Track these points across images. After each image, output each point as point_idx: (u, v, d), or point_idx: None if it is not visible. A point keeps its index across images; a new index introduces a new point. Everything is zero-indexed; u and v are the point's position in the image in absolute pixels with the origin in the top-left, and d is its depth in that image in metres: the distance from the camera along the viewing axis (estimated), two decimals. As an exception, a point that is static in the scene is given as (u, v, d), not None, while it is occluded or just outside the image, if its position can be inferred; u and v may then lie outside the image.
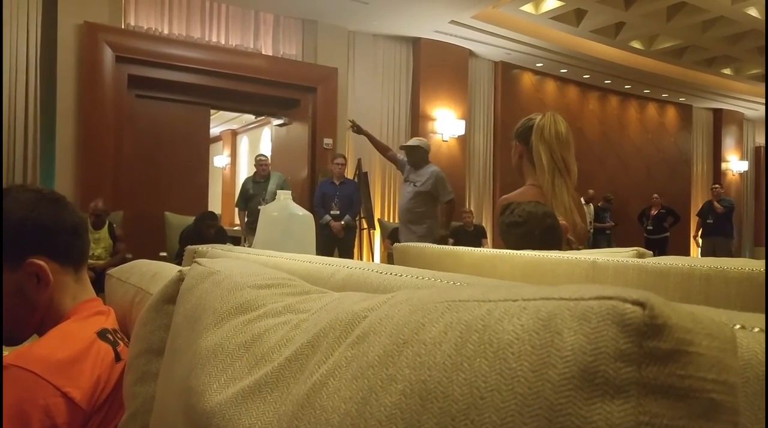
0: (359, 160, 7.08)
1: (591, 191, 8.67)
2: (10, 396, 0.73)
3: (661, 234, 9.06)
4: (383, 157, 5.15)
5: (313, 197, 6.15)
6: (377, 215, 7.52)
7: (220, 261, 0.71)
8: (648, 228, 9.18)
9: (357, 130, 4.90)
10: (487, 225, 8.33)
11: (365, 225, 7.03)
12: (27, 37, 5.35)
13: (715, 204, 8.54)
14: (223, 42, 6.58)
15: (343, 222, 5.74)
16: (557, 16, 7.50)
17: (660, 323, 0.28)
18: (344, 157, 6.08)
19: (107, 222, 5.03)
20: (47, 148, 5.51)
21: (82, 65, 5.59)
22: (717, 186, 8.95)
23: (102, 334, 0.89)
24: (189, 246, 1.23)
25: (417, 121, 7.82)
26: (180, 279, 0.73)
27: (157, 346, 0.75)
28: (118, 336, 0.93)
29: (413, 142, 4.78)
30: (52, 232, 0.94)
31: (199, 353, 0.54)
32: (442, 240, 4.63)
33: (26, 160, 5.36)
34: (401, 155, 4.84)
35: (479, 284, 0.60)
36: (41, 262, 0.91)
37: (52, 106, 5.50)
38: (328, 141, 7.02)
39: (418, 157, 4.64)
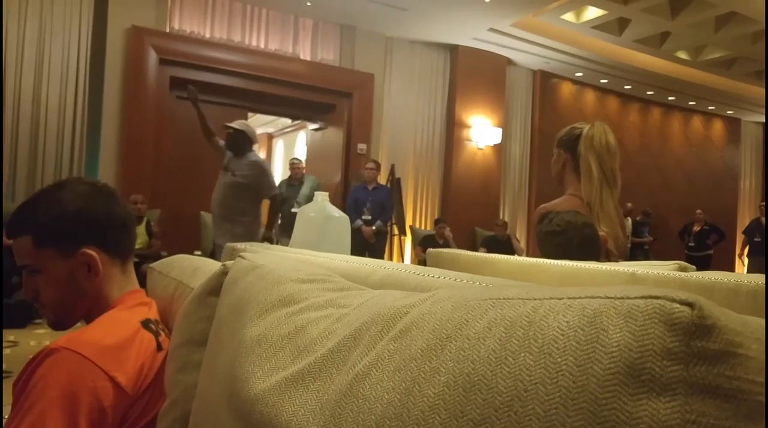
0: (392, 166, 7.11)
1: (629, 204, 8.49)
2: (62, 377, 0.77)
3: (703, 251, 8.78)
4: (207, 142, 4.45)
5: (346, 201, 6.20)
6: (409, 222, 7.53)
7: (263, 256, 0.73)
8: (690, 244, 8.92)
9: (193, 99, 4.23)
10: (521, 234, 8.25)
11: (396, 232, 7.04)
12: (79, 40, 5.57)
13: (763, 221, 8.23)
14: (262, 46, 6.70)
15: (374, 228, 5.77)
16: (599, 25, 7.40)
17: (709, 324, 0.28)
18: (375, 163, 6.11)
19: (144, 219, 5.18)
20: (92, 145, 5.71)
21: (128, 67, 5.76)
22: (766, 203, 8.63)
23: (145, 324, 0.92)
24: (228, 244, 1.26)
25: (452, 128, 7.80)
26: (224, 272, 0.75)
27: (199, 337, 0.77)
28: (160, 326, 0.96)
29: (238, 124, 4.16)
30: (104, 225, 0.98)
31: (244, 343, 0.56)
32: (265, 241, 4.02)
33: (73, 155, 5.57)
34: (223, 142, 4.26)
35: (521, 285, 0.60)
36: (93, 252, 0.95)
37: (98, 105, 5.70)
38: (362, 146, 7.07)
39: (241, 142, 4.08)
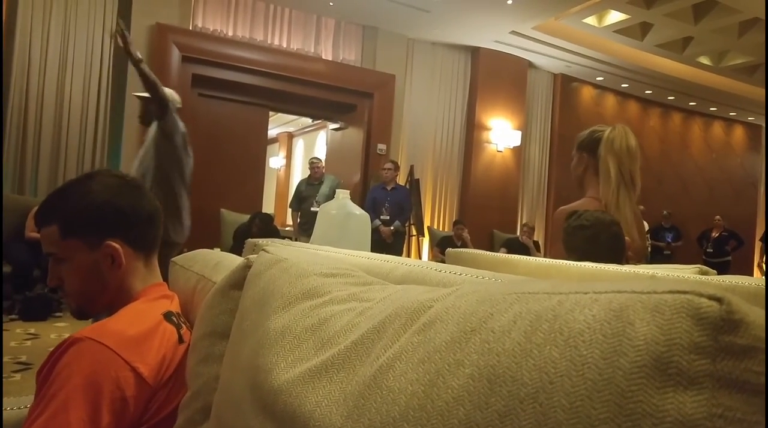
0: (411, 167, 7.11)
1: (641, 207, 8.39)
2: (86, 366, 0.78)
3: (722, 257, 8.69)
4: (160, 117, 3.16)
5: (365, 201, 6.20)
6: (427, 223, 7.52)
7: (287, 250, 0.74)
8: (708, 250, 8.83)
9: (123, 41, 2.78)
10: (538, 237, 8.21)
11: (414, 232, 7.04)
12: (102, 36, 5.65)
13: None
14: (284, 45, 6.74)
15: (392, 228, 5.77)
16: (621, 30, 7.34)
17: (737, 319, 0.28)
18: (393, 163, 6.10)
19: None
20: (114, 141, 5.78)
21: (150, 64, 5.77)
22: (766, 207, 8.52)
23: (167, 316, 0.93)
24: (249, 240, 1.27)
25: (471, 129, 7.79)
26: (247, 266, 0.76)
27: (221, 329, 0.78)
28: (182, 319, 0.97)
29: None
30: (129, 218, 0.99)
31: (267, 334, 0.57)
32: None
33: (95, 151, 5.64)
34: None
35: (545, 280, 0.61)
36: (117, 245, 0.96)
37: (121, 101, 5.77)
38: (382, 146, 7.08)
39: (151, 111, 3.07)
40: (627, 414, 0.28)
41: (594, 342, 0.31)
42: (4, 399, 1.17)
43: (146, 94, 3.04)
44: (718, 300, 0.28)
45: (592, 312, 0.32)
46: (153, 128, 3.16)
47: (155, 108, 3.04)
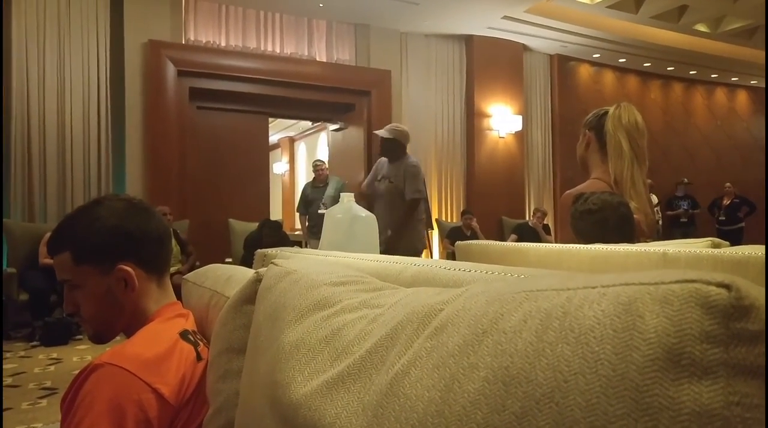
0: (416, 161, 7.09)
1: (650, 181, 8.35)
2: (107, 391, 0.79)
3: (734, 225, 8.64)
4: None
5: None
6: (435, 215, 7.51)
7: (295, 261, 0.74)
8: (720, 218, 8.78)
9: None
10: (549, 220, 8.18)
11: (424, 226, 7.02)
12: (97, 57, 5.66)
13: None
14: (278, 51, 6.74)
15: (401, 224, 5.75)
16: (614, 4, 7.28)
17: (747, 304, 0.28)
18: None
19: (171, 228, 5.26)
20: (118, 160, 5.81)
21: (147, 81, 5.85)
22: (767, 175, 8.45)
23: (184, 335, 0.94)
24: (259, 250, 1.27)
25: (472, 118, 7.76)
26: (257, 280, 0.76)
27: (238, 345, 0.78)
28: (198, 336, 0.98)
29: (386, 130, 3.92)
30: (139, 240, 1.00)
31: (282, 348, 0.57)
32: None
33: (100, 172, 5.66)
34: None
35: (554, 275, 0.60)
36: (129, 269, 0.98)
37: (121, 121, 5.80)
38: (383, 143, 7.06)
39: (392, 148, 3.92)
40: (644, 408, 0.28)
41: (605, 337, 0.30)
42: (33, 426, 1.18)
43: (388, 134, 3.87)
44: (727, 287, 0.28)
45: (601, 307, 0.32)
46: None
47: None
